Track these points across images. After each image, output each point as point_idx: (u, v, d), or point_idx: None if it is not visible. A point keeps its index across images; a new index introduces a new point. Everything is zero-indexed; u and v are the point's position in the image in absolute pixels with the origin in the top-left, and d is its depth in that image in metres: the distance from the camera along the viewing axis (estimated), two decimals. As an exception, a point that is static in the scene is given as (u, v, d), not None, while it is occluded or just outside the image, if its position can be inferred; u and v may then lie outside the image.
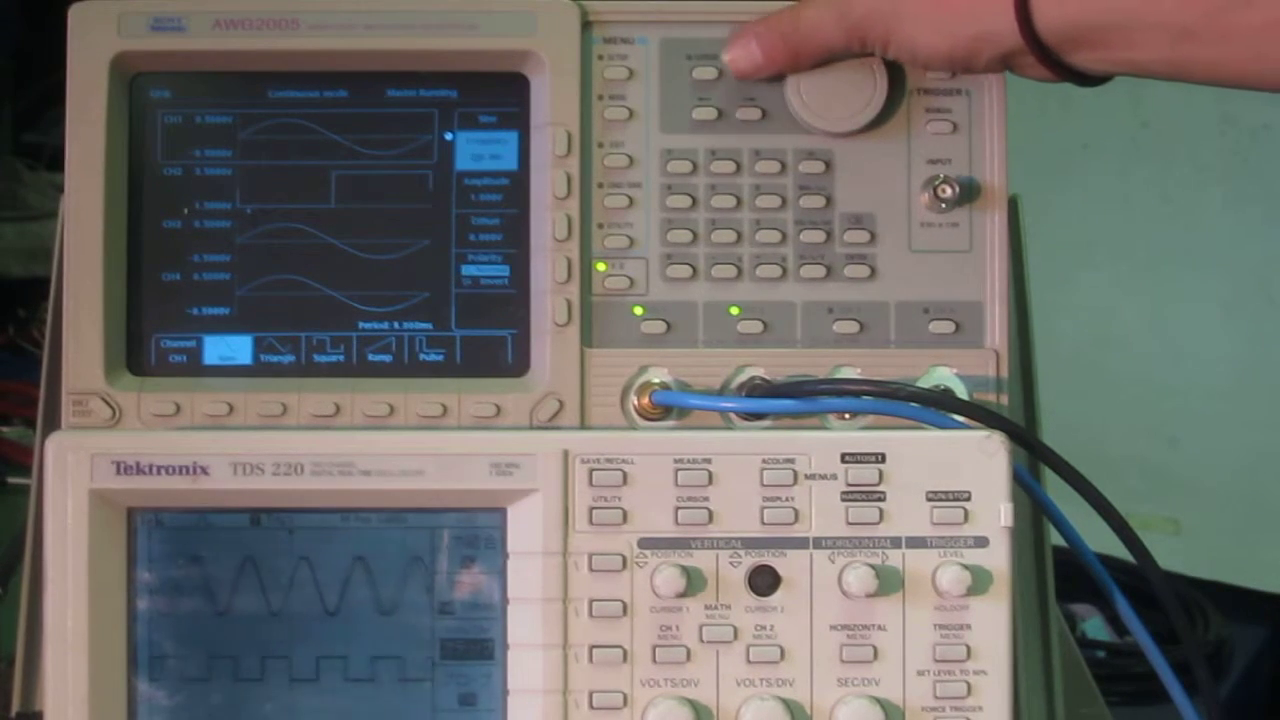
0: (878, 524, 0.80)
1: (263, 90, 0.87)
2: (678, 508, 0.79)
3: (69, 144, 0.85)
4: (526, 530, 0.79)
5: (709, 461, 0.80)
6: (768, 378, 0.85)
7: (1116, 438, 2.03)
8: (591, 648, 0.79)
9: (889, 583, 0.79)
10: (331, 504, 0.80)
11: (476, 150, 0.87)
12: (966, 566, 0.79)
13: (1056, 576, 0.92)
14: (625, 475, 0.79)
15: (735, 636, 0.79)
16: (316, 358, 0.86)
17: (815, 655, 0.80)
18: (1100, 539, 0.83)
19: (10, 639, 0.88)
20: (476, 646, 0.80)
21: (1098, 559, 0.84)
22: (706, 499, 0.80)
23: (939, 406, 0.82)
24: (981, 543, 0.80)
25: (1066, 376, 1.50)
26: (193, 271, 0.86)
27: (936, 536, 0.80)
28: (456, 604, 0.80)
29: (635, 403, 0.86)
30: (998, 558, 0.80)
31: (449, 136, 0.87)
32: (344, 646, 0.80)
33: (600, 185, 0.86)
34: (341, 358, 0.86)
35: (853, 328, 0.86)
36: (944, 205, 0.86)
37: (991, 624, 0.80)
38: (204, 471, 0.79)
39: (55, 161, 1.77)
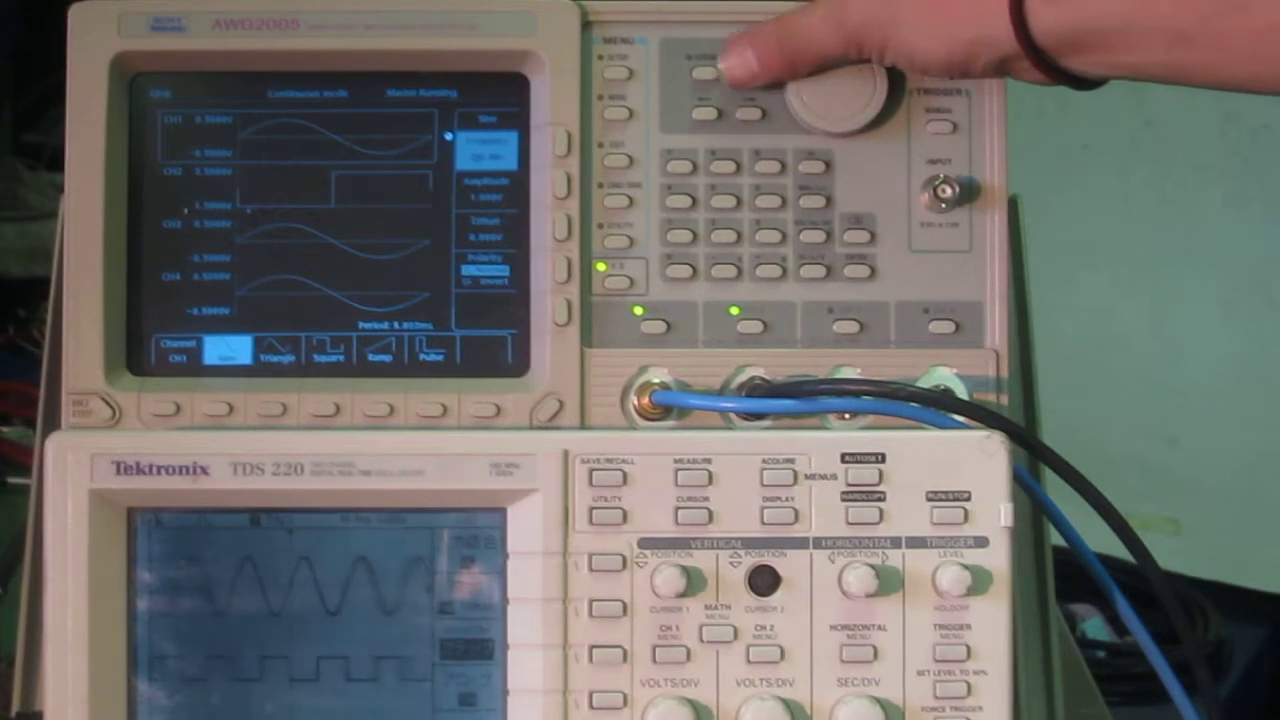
0: (878, 524, 0.80)
1: (263, 90, 0.87)
2: (678, 508, 0.79)
3: (69, 144, 0.85)
4: (526, 530, 0.79)
5: (709, 461, 0.80)
6: (768, 378, 0.85)
7: (1116, 438, 2.03)
8: (591, 648, 0.79)
9: (889, 583, 0.79)
10: (331, 504, 0.80)
11: (476, 150, 0.87)
12: (966, 566, 0.79)
13: (1056, 576, 0.92)
14: (625, 475, 0.79)
15: (735, 636, 0.79)
16: (316, 358, 0.86)
17: (815, 655, 0.80)
18: (1100, 539, 0.83)
19: (10, 639, 0.88)
20: (476, 646, 0.80)
21: (1098, 559, 0.84)
22: (706, 499, 0.80)
23: (939, 406, 0.82)
24: (981, 543, 0.80)
25: (1066, 376, 1.50)
26: (193, 271, 0.86)
27: (936, 536, 0.80)
28: (456, 604, 0.80)
29: (635, 403, 0.86)
30: (998, 558, 0.80)
31: (449, 136, 0.87)
32: (344, 646, 0.80)
33: (600, 185, 0.86)
34: (341, 358, 0.86)
35: (853, 328, 0.86)
36: (944, 205, 0.86)
37: (991, 624, 0.80)
38: (204, 471, 0.79)
39: (55, 161, 1.77)
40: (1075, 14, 0.77)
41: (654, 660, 0.79)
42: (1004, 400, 0.86)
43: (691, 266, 0.86)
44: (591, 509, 0.79)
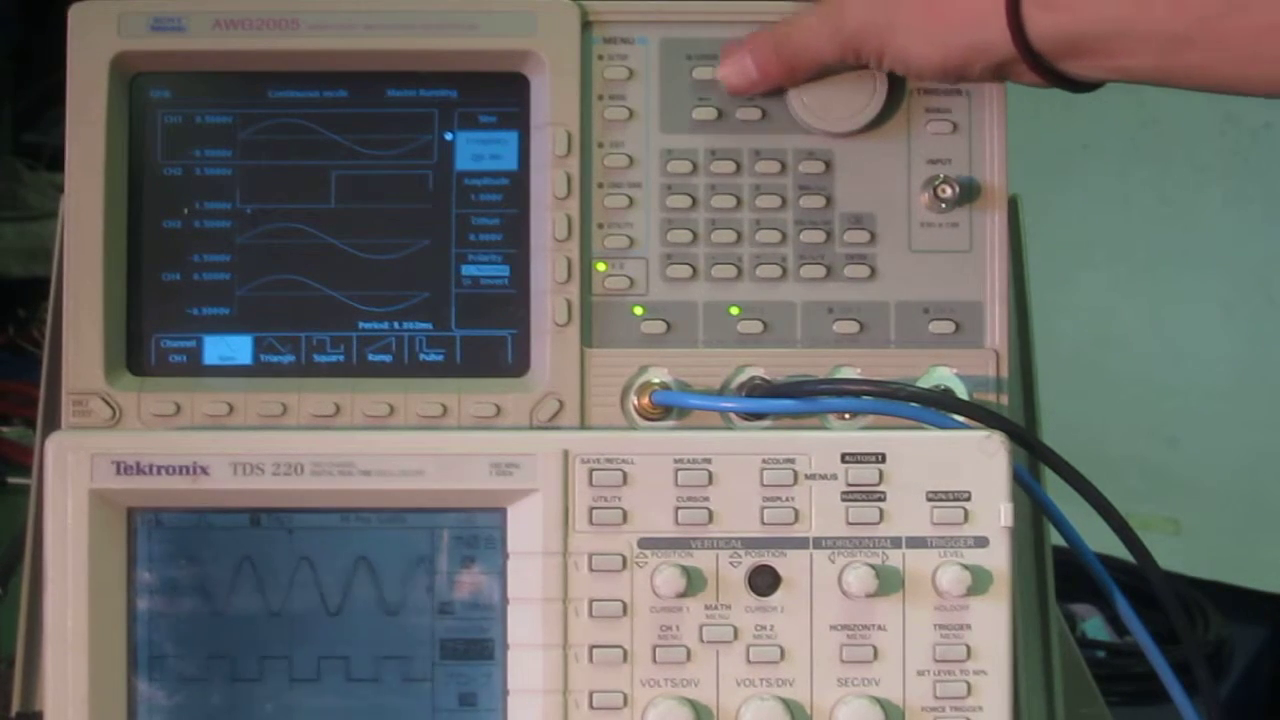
0: (878, 524, 0.80)
1: (263, 90, 0.87)
2: (678, 508, 0.79)
3: (69, 144, 0.85)
4: (526, 530, 0.79)
5: (709, 461, 0.80)
6: (768, 378, 0.85)
7: (1116, 438, 2.03)
8: (591, 648, 0.79)
9: (889, 583, 0.79)
10: (331, 504, 0.80)
11: (476, 150, 0.87)
12: (966, 566, 0.79)
13: (1056, 576, 0.92)
14: (625, 475, 0.79)
15: (735, 636, 0.79)
16: (316, 358, 0.86)
17: (815, 655, 0.80)
18: (1100, 539, 0.83)
19: (10, 639, 0.88)
20: (476, 646, 0.80)
21: (1098, 559, 0.84)
22: (706, 499, 0.80)
23: (939, 406, 0.82)
24: (981, 543, 0.80)
25: (1066, 376, 1.50)
26: (193, 271, 0.86)
27: (936, 536, 0.80)
28: (456, 604, 0.80)
29: (635, 403, 0.86)
30: (998, 558, 0.80)
31: (449, 136, 0.87)
32: (344, 647, 0.80)
33: (600, 185, 0.86)
34: (341, 358, 0.86)
35: (853, 328, 0.86)
36: (944, 205, 0.86)
37: (991, 624, 0.80)
38: (204, 471, 0.79)
39: (55, 161, 1.77)
40: (1072, 19, 0.77)
41: (654, 660, 0.79)
42: (1004, 400, 0.86)
43: (691, 266, 0.86)
44: (591, 509, 0.79)
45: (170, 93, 0.87)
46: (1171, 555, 1.75)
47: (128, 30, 0.85)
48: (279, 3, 0.85)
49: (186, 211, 0.86)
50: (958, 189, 0.85)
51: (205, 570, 0.80)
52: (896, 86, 0.86)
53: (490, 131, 0.87)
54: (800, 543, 0.80)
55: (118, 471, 0.78)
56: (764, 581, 0.80)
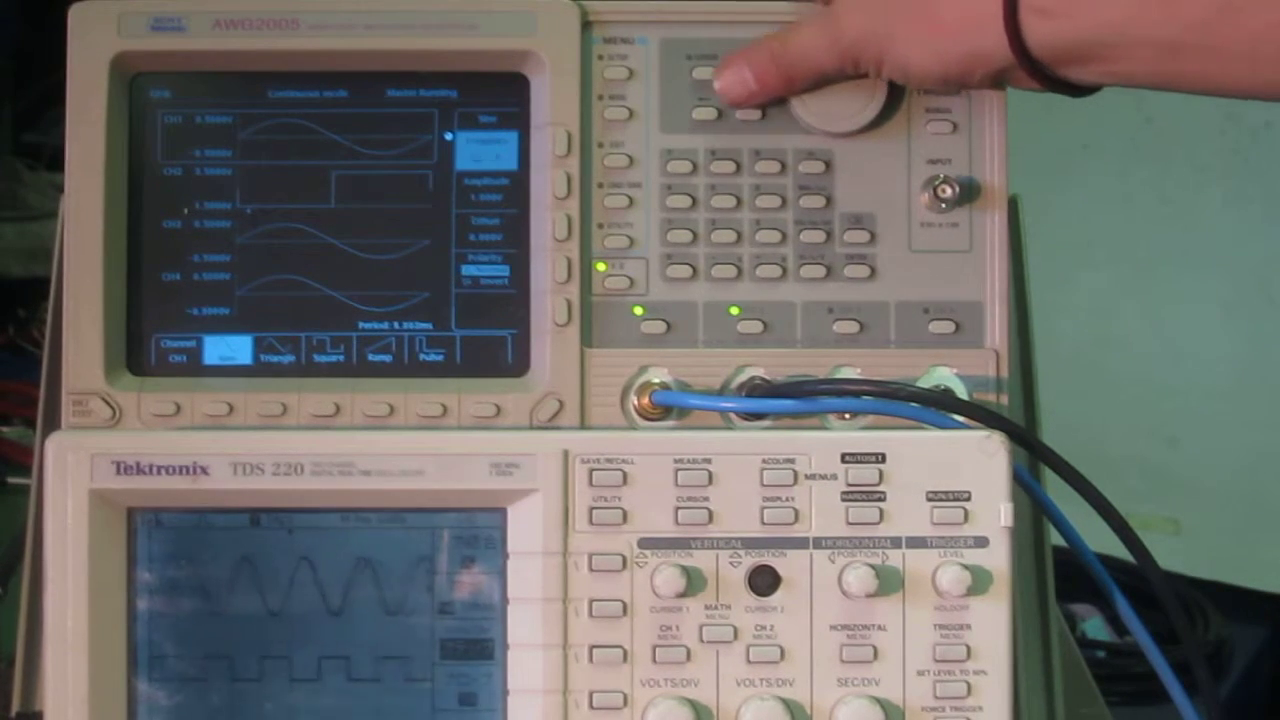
0: (878, 524, 0.80)
1: (263, 90, 0.87)
2: (678, 508, 0.79)
3: (69, 144, 0.85)
4: (526, 530, 0.79)
5: (709, 461, 0.80)
6: (768, 378, 0.85)
7: (1116, 438, 2.03)
8: (591, 648, 0.79)
9: (889, 583, 0.79)
10: (331, 504, 0.80)
11: (476, 150, 0.87)
12: (966, 566, 0.79)
13: (1056, 576, 0.92)
14: (625, 475, 0.79)
15: (735, 636, 0.79)
16: (316, 358, 0.86)
17: (815, 655, 0.80)
18: (1100, 539, 0.83)
19: (10, 639, 0.88)
20: (476, 646, 0.80)
21: (1098, 559, 0.84)
22: (706, 499, 0.80)
23: (939, 406, 0.82)
24: (981, 543, 0.80)
25: (1066, 376, 1.50)
26: (193, 271, 0.86)
27: (936, 536, 0.80)
28: (456, 604, 0.80)
29: (635, 403, 0.86)
30: (998, 558, 0.80)
31: (449, 136, 0.87)
32: (344, 647, 0.80)
33: (600, 185, 0.86)
34: (341, 358, 0.86)
35: (853, 328, 0.86)
36: (944, 205, 0.86)
37: (991, 624, 0.80)
38: (204, 471, 0.79)
39: (55, 161, 1.77)
40: (1070, 26, 0.77)
41: (654, 660, 0.79)
42: (1004, 400, 0.86)
43: (691, 266, 0.86)
44: (591, 509, 0.79)
45: (170, 93, 0.87)
46: (1171, 555, 1.75)
47: (128, 30, 0.85)
48: (279, 3, 0.85)
49: (186, 211, 0.86)
50: (958, 189, 0.85)
51: (205, 570, 0.80)
52: (896, 87, 0.86)
53: (490, 131, 0.87)
54: (800, 543, 0.80)
55: (118, 471, 0.78)
56: (764, 581, 0.80)
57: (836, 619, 0.80)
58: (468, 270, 0.87)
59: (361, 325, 0.86)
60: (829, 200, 0.87)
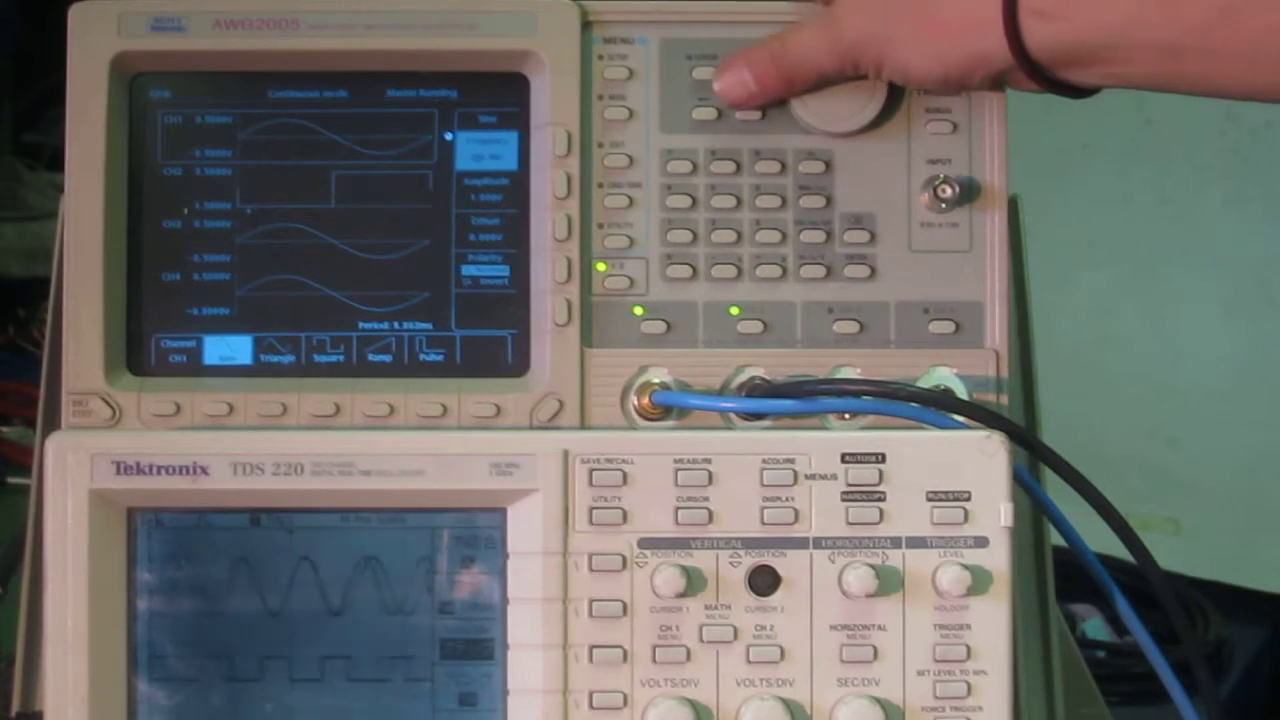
0: (878, 524, 0.80)
1: (263, 90, 0.87)
2: (678, 508, 0.79)
3: (69, 144, 0.85)
4: (526, 530, 0.79)
5: (709, 461, 0.80)
6: (768, 378, 0.85)
7: (1116, 438, 2.03)
8: (591, 648, 0.79)
9: (889, 583, 0.79)
10: (331, 504, 0.80)
11: (476, 150, 0.87)
12: (966, 566, 0.79)
13: (1056, 576, 0.92)
14: (625, 475, 0.79)
15: (735, 636, 0.79)
16: (316, 358, 0.86)
17: (815, 655, 0.80)
18: (1100, 539, 0.83)
19: (10, 639, 0.88)
20: (476, 646, 0.80)
21: (1098, 559, 0.84)
22: (706, 499, 0.80)
23: (939, 406, 0.82)
24: (981, 543, 0.80)
25: (1066, 376, 1.50)
26: (193, 271, 0.86)
27: (936, 536, 0.80)
28: (457, 604, 0.80)
29: (635, 403, 0.86)
30: (998, 558, 0.80)
31: (449, 136, 0.87)
32: (344, 647, 0.80)
33: (600, 185, 0.86)
34: (341, 358, 0.86)
35: (853, 328, 0.86)
36: (944, 205, 0.86)
37: (991, 624, 0.80)
38: (204, 471, 0.79)
39: (55, 161, 1.77)
40: (1069, 29, 0.77)
41: (654, 660, 0.79)
42: (1004, 400, 0.86)
43: (691, 266, 0.86)
44: (591, 509, 0.79)
45: (170, 93, 0.87)
46: (1171, 555, 1.75)
47: (128, 30, 0.85)
48: (279, 3, 0.85)
49: (186, 211, 0.86)
50: (958, 189, 0.85)
51: (205, 570, 0.80)
52: (896, 87, 0.86)
53: (490, 131, 0.87)
54: (800, 543, 0.80)
55: (118, 471, 0.78)
56: (764, 581, 0.80)
57: (836, 619, 0.80)
58: (468, 270, 0.87)
59: (361, 325, 0.86)
60: (829, 200, 0.87)
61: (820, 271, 0.86)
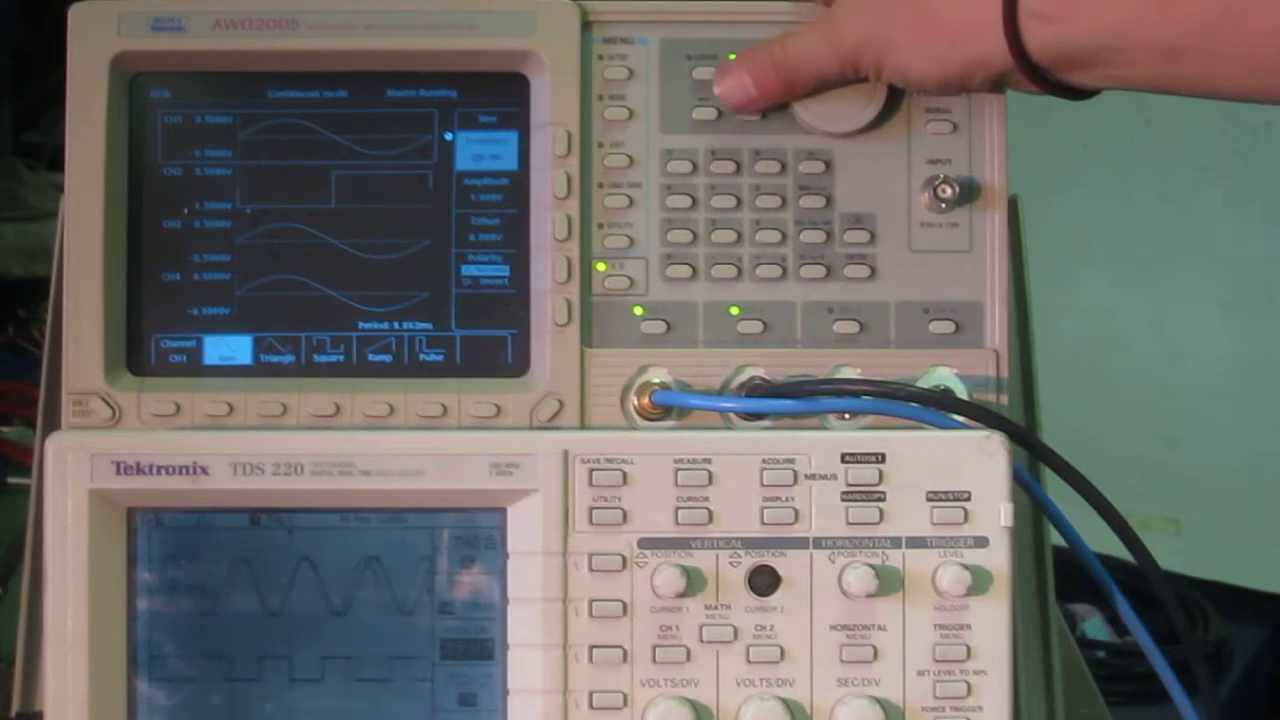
0: (878, 524, 0.80)
1: (263, 90, 0.87)
2: (678, 508, 0.79)
3: (69, 144, 0.85)
4: (526, 530, 0.79)
5: (709, 461, 0.80)
6: (768, 378, 0.85)
7: (1116, 438, 2.03)
8: (591, 648, 0.79)
9: (889, 583, 0.79)
10: (331, 504, 0.80)
11: (476, 150, 0.87)
12: (966, 566, 0.79)
13: (1056, 576, 0.92)
14: (625, 475, 0.79)
15: (735, 636, 0.79)
16: (316, 358, 0.86)
17: (815, 655, 0.80)
18: (1100, 539, 0.83)
19: (10, 639, 0.88)
20: (476, 646, 0.80)
21: (1098, 559, 0.84)
22: (706, 499, 0.80)
23: (939, 406, 0.82)
24: (981, 543, 0.80)
25: (1066, 376, 1.50)
26: (193, 271, 0.86)
27: (936, 536, 0.80)
28: (456, 604, 0.80)
29: (635, 403, 0.86)
30: (998, 558, 0.80)
31: (449, 136, 0.87)
32: (344, 647, 0.80)
33: (600, 185, 0.86)
34: (341, 358, 0.86)
35: (853, 328, 0.86)
36: (944, 205, 0.86)
37: (991, 624, 0.80)
38: (204, 471, 0.79)
39: (55, 161, 1.77)
40: (1069, 31, 0.77)
41: (654, 660, 0.79)
42: (1004, 400, 0.86)
43: (691, 266, 0.86)
44: (591, 509, 0.79)
45: (170, 93, 0.87)
46: (1171, 555, 1.75)
47: (128, 30, 0.85)
48: (279, 3, 0.85)
49: (186, 211, 0.86)
50: (958, 189, 0.85)
51: (205, 570, 0.80)
52: (896, 88, 0.86)
53: (490, 131, 0.87)
54: (800, 543, 0.80)
55: (118, 471, 0.78)
56: (764, 581, 0.80)
57: (836, 619, 0.80)
58: (468, 270, 0.87)
59: (361, 325, 0.86)
60: (829, 200, 0.87)
61: (820, 271, 0.86)
